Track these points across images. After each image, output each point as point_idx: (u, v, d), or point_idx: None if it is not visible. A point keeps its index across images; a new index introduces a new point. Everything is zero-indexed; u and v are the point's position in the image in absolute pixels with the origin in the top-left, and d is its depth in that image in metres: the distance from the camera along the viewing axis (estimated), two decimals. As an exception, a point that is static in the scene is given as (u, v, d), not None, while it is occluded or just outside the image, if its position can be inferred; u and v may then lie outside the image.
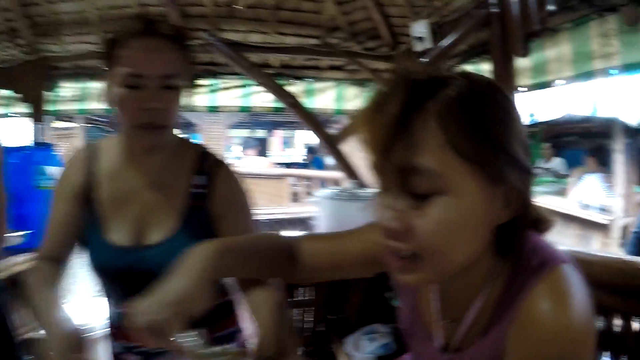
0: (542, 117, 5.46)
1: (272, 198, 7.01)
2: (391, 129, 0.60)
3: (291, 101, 3.36)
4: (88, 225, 1.15)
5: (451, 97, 0.60)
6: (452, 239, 0.63)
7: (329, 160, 7.13)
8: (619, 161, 5.20)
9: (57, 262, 1.15)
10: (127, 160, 1.16)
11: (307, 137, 13.74)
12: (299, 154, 12.78)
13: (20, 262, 2.57)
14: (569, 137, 8.46)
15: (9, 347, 1.72)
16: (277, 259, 0.96)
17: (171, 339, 0.75)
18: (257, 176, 6.87)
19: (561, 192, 6.31)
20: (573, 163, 6.64)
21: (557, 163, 7.42)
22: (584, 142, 7.32)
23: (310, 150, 9.40)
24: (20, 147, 2.89)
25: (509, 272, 0.70)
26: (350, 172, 3.30)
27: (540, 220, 0.74)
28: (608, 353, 1.28)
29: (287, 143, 17.34)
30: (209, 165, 1.20)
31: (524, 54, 2.24)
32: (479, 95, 0.63)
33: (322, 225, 2.20)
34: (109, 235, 1.13)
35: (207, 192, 1.18)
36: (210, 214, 1.18)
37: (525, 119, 5.52)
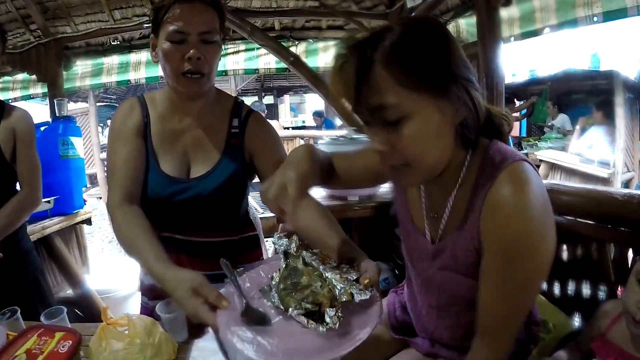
0: (543, 72, 5.53)
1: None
2: (354, 83, 0.82)
3: (292, 59, 3.43)
4: (145, 159, 1.32)
5: (387, 47, 0.80)
6: (425, 146, 0.85)
7: (339, 121, 7.18)
8: (620, 115, 5.24)
9: (134, 204, 1.25)
10: (173, 106, 1.36)
11: (316, 103, 13.62)
12: (308, 119, 12.77)
13: (49, 226, 2.80)
14: (576, 94, 8.41)
15: (44, 304, 1.92)
16: (328, 167, 1.18)
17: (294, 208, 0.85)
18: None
19: (566, 148, 6.37)
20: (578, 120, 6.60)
21: (561, 120, 7.40)
22: (591, 99, 7.25)
23: (318, 114, 9.42)
24: (43, 122, 3.02)
25: (478, 168, 0.92)
26: (350, 120, 3.44)
27: (495, 121, 0.96)
28: (588, 281, 1.42)
29: (296, 110, 17.26)
30: (243, 110, 1.42)
31: (506, 3, 2.30)
32: (410, 37, 0.81)
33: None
34: (162, 167, 1.32)
35: (241, 132, 1.39)
36: (244, 150, 1.39)
37: (525, 75, 5.59)
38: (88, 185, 8.96)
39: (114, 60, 4.41)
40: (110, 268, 4.85)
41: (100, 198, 7.66)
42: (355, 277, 0.90)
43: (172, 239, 1.36)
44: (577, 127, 6.25)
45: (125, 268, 3.95)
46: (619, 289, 1.32)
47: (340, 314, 0.85)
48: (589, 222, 1.37)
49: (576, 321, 1.41)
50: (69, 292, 3.24)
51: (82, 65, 4.45)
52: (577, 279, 1.44)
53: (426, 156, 0.86)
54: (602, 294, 1.37)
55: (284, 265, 0.99)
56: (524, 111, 8.17)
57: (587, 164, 5.44)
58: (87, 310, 3.02)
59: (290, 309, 0.90)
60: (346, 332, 0.84)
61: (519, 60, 5.31)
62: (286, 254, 1.00)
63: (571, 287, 1.46)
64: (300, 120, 13.99)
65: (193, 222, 1.37)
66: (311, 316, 0.88)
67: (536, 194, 0.83)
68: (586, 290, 1.42)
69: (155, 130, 1.35)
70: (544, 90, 7.80)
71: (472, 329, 0.95)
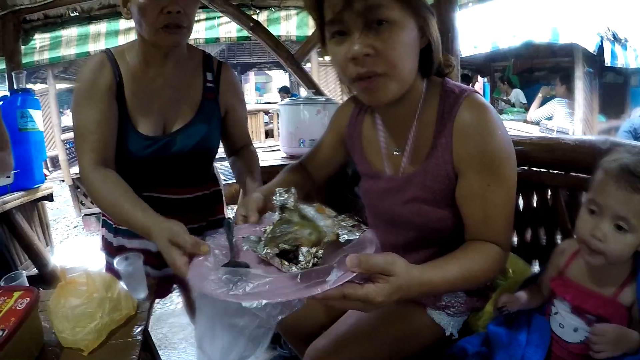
0: (503, 44, 5.60)
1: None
2: None
3: (252, 25, 3.37)
4: (120, 120, 1.28)
5: None
6: (402, 54, 0.92)
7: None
8: (580, 87, 5.36)
9: (109, 167, 1.23)
10: (146, 64, 1.31)
11: (281, 81, 13.44)
12: (274, 97, 12.61)
13: (9, 201, 2.72)
14: (539, 72, 8.52)
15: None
16: (304, 183, 1.31)
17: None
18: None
19: (525, 120, 6.52)
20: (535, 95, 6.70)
21: (515, 94, 7.52)
22: (554, 77, 7.36)
23: (284, 90, 9.32)
24: (1, 97, 2.94)
25: (440, 100, 1.02)
26: (308, 83, 3.44)
27: (444, 63, 1.06)
28: (544, 228, 1.45)
29: (261, 89, 17.09)
30: (213, 64, 1.42)
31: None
32: None
33: (283, 130, 2.38)
34: (139, 128, 1.29)
35: (216, 86, 1.40)
36: (219, 104, 1.40)
37: (487, 47, 5.62)
38: (50, 169, 8.69)
39: (72, 32, 4.30)
40: (76, 247, 4.76)
41: (63, 181, 7.42)
42: (351, 224, 0.87)
43: (149, 198, 1.32)
44: (539, 94, 6.32)
45: (91, 248, 3.88)
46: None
47: (319, 254, 0.80)
48: (543, 170, 1.41)
49: (535, 268, 1.44)
50: (34, 270, 3.18)
51: (40, 39, 4.33)
52: (534, 226, 1.48)
53: (404, 63, 0.93)
54: (559, 239, 1.41)
55: (277, 219, 0.95)
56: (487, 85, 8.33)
57: (547, 133, 5.56)
58: (52, 288, 2.96)
59: (264, 251, 0.86)
60: (324, 276, 0.77)
61: (480, 32, 5.36)
62: (283, 208, 0.97)
63: (529, 235, 1.50)
64: (265, 100, 13.74)
65: (171, 179, 1.38)
66: (285, 256, 0.83)
67: (496, 115, 0.98)
68: (543, 236, 1.46)
69: (130, 91, 1.29)
70: (507, 66, 7.95)
71: None
